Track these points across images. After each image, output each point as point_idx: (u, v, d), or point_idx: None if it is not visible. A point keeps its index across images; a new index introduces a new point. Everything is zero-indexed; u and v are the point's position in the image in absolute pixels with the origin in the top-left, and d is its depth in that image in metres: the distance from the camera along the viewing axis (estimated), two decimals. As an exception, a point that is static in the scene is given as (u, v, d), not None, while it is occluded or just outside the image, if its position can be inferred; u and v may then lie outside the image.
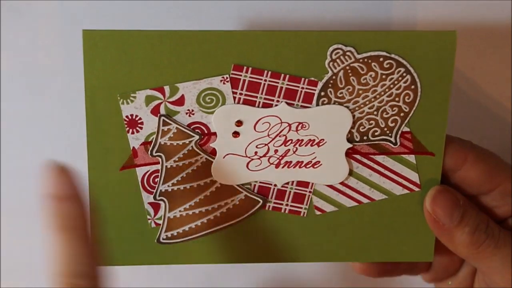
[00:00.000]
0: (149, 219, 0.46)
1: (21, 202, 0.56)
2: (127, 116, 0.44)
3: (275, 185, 0.46)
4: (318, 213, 0.47)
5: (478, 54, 0.53)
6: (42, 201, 0.37)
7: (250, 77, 0.44)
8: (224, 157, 0.45)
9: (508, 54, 0.53)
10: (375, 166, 0.46)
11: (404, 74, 0.44)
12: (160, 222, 0.46)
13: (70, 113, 0.53)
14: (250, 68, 0.44)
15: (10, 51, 0.52)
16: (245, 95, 0.44)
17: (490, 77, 0.54)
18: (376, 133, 0.45)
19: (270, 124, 0.45)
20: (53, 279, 0.37)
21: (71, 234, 0.37)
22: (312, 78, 0.44)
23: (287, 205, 0.47)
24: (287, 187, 0.46)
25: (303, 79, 0.44)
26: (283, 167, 0.46)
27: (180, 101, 0.44)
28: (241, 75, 0.44)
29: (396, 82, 0.44)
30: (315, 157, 0.45)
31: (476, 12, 0.52)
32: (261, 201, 0.46)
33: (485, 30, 0.53)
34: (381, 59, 0.44)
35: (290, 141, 0.45)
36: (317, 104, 0.44)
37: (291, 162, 0.45)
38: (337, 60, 0.43)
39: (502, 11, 0.52)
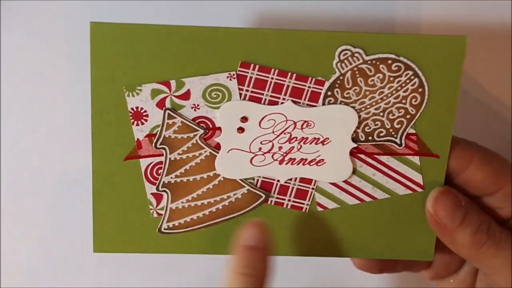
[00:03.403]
0: (151, 209, 0.47)
1: (21, 202, 0.57)
2: (132, 108, 0.44)
3: (278, 181, 0.46)
4: (320, 209, 0.47)
5: (479, 53, 0.53)
6: (235, 246, 0.43)
7: (257, 74, 0.43)
8: (228, 152, 0.45)
9: (508, 54, 0.53)
10: (379, 166, 0.46)
11: (412, 77, 0.44)
12: (162, 212, 0.47)
13: (73, 108, 0.54)
14: (257, 66, 0.43)
15: (10, 50, 0.52)
16: (251, 92, 0.44)
17: (490, 76, 0.53)
18: (382, 134, 0.45)
19: (275, 121, 0.44)
20: None
21: (250, 281, 0.42)
22: (319, 78, 0.44)
23: (289, 200, 0.47)
24: (290, 183, 0.46)
25: (310, 78, 0.44)
26: (286, 163, 0.46)
27: (186, 96, 0.44)
28: (248, 72, 0.43)
29: (403, 85, 0.44)
30: (319, 155, 0.45)
31: (477, 11, 0.52)
32: (263, 195, 0.46)
33: (486, 29, 0.52)
34: (389, 61, 0.43)
35: (294, 139, 0.45)
36: (323, 104, 0.44)
37: (295, 159, 0.45)
38: (345, 61, 0.43)
39: (503, 11, 0.51)
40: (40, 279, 0.59)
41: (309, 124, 0.44)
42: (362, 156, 0.46)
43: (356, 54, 0.43)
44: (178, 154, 0.45)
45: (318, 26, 0.51)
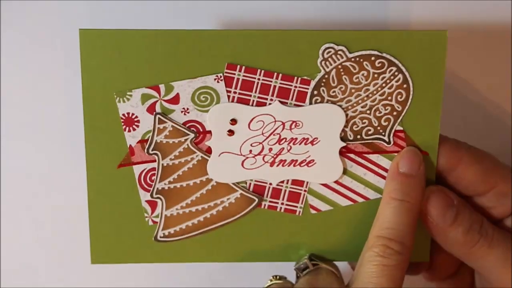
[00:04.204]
0: (146, 217, 0.47)
1: (21, 202, 0.57)
2: (123, 114, 0.45)
3: (270, 184, 0.47)
4: (313, 212, 0.47)
5: (477, 54, 0.53)
6: (391, 172, 0.46)
7: (243, 76, 0.44)
8: (219, 155, 0.46)
9: (508, 54, 0.53)
10: (370, 165, 0.46)
11: (396, 73, 0.44)
12: (157, 220, 0.47)
13: (68, 113, 0.54)
14: (243, 67, 0.44)
15: (10, 50, 0.54)
16: (239, 93, 0.45)
17: (489, 77, 0.54)
18: (370, 132, 0.46)
19: (264, 123, 0.45)
20: (371, 239, 0.44)
21: (404, 207, 0.44)
22: (305, 77, 0.45)
23: (282, 203, 0.47)
24: (282, 186, 0.47)
25: (296, 78, 0.44)
26: (277, 165, 0.46)
27: (175, 100, 0.45)
28: (234, 74, 0.44)
29: (388, 81, 0.45)
30: (309, 156, 0.46)
31: (474, 11, 0.52)
32: (256, 199, 0.47)
33: (485, 30, 0.53)
34: (372, 58, 0.44)
35: (284, 140, 0.45)
36: (310, 103, 0.45)
37: (285, 160, 0.46)
38: (329, 59, 0.44)
39: (501, 11, 0.52)
40: (40, 279, 0.59)
41: (298, 124, 0.45)
42: (352, 155, 0.46)
43: (339, 52, 0.44)
44: (171, 159, 0.46)
45: (306, 28, 0.52)
